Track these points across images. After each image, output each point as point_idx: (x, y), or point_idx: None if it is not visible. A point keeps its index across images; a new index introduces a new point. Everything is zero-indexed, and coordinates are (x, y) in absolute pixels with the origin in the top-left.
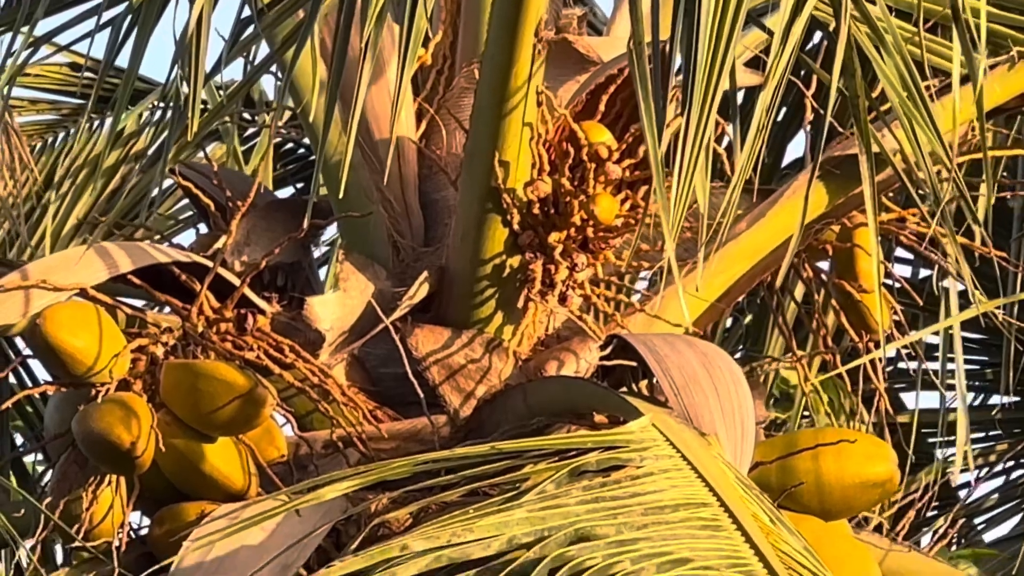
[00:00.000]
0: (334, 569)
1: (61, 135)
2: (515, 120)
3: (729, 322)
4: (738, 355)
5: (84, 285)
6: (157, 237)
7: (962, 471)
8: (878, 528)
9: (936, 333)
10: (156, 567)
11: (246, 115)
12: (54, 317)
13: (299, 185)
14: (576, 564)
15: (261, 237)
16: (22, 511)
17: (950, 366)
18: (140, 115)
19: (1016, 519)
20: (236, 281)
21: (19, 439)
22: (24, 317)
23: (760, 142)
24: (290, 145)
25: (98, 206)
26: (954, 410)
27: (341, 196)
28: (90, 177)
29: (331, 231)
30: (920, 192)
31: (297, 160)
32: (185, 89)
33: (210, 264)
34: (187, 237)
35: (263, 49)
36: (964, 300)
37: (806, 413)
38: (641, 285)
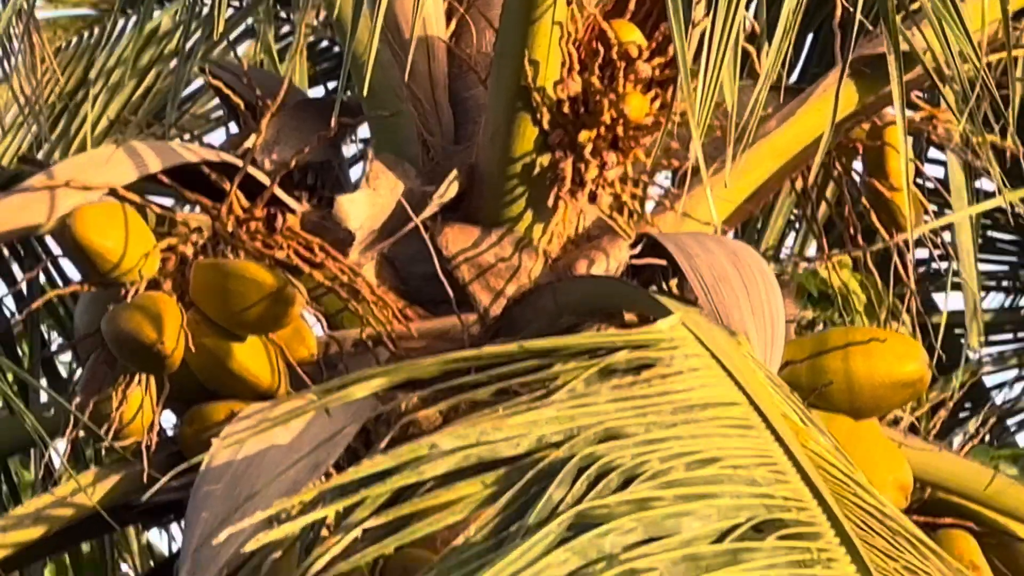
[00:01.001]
0: (362, 468)
1: (97, 31)
2: (545, 19)
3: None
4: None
5: (114, 184)
6: (188, 137)
7: (994, 372)
8: (909, 428)
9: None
10: (184, 465)
11: (281, 13)
12: (84, 217)
13: (333, 85)
14: (605, 463)
15: (291, 136)
16: (52, 411)
17: (983, 267)
18: (175, 13)
19: None
20: (266, 180)
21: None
22: (53, 217)
23: (789, 40)
24: (324, 44)
25: (131, 106)
26: (987, 311)
27: (370, 95)
28: (123, 76)
29: (363, 130)
30: (950, 90)
31: (331, 59)
32: None
33: (240, 163)
34: (219, 137)
35: None
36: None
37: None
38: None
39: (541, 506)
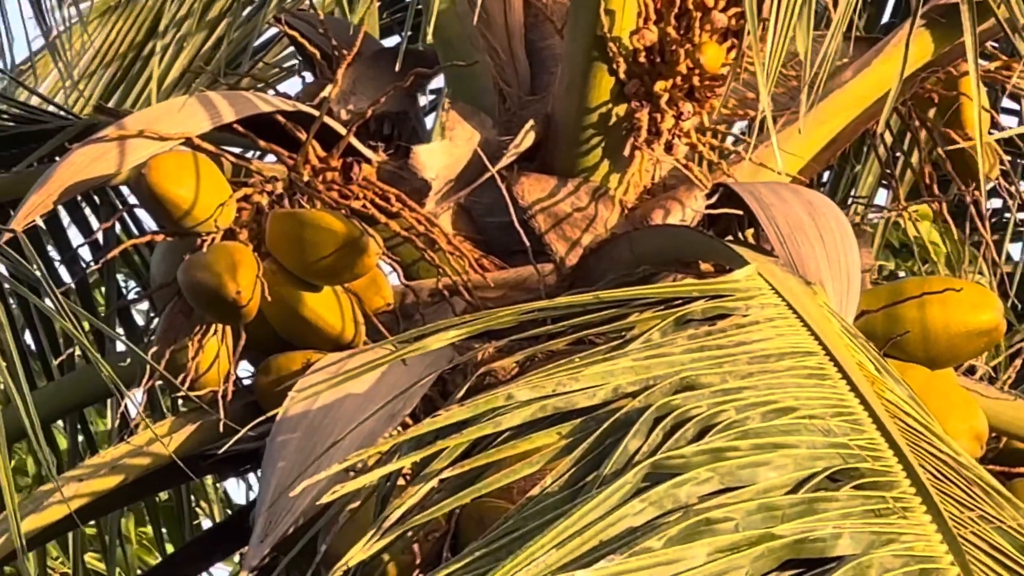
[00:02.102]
0: (439, 419)
1: None
2: None
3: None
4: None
5: (189, 134)
6: (262, 87)
7: None
8: (985, 377)
9: None
10: (262, 418)
11: None
12: (159, 166)
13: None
14: (681, 413)
15: (367, 86)
16: (128, 361)
17: None
18: None
19: None
20: (342, 130)
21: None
22: (129, 167)
23: None
24: None
25: (202, 56)
26: None
27: (447, 45)
28: (196, 25)
29: (439, 81)
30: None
31: (405, 8)
32: None
33: (316, 113)
34: (292, 86)
35: None
36: None
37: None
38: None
39: (617, 456)
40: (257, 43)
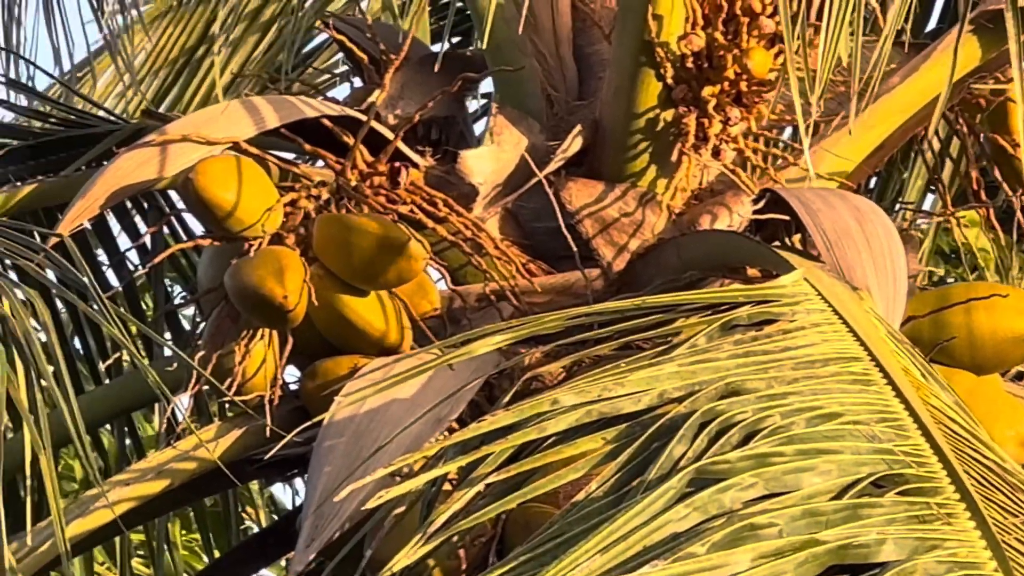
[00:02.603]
0: (484, 423)
1: None
2: None
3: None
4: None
5: (236, 139)
6: (312, 92)
7: None
8: None
9: None
10: (309, 423)
11: None
12: (207, 171)
13: (455, 39)
14: (726, 418)
15: (415, 91)
16: (175, 365)
17: None
18: None
19: None
20: (390, 135)
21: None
22: (176, 171)
23: None
24: None
25: (253, 61)
26: None
27: (495, 50)
28: (246, 30)
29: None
30: None
31: (455, 14)
32: None
33: (363, 118)
34: (343, 92)
35: None
36: None
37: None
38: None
39: (662, 462)
40: (308, 48)
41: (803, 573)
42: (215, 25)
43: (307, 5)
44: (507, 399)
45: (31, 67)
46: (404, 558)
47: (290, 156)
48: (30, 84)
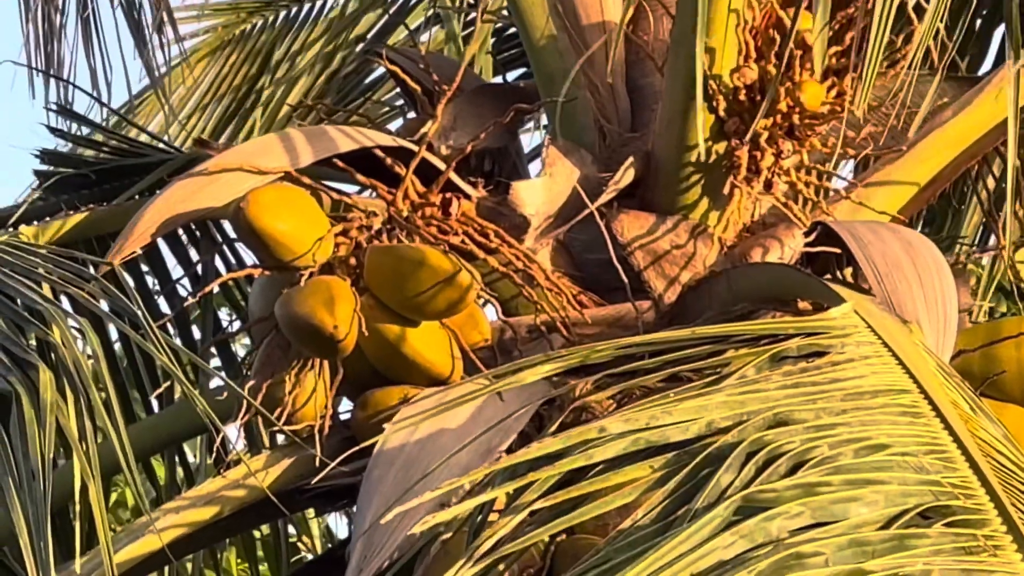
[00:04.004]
0: (532, 450)
1: (283, 14)
2: (722, 6)
3: None
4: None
5: (288, 168)
6: (370, 125)
7: None
8: None
9: None
10: (355, 448)
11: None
12: (258, 200)
13: (513, 74)
14: (774, 448)
15: (468, 122)
16: (225, 394)
17: None
18: None
19: None
20: (442, 165)
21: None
22: (228, 200)
23: (963, 28)
24: (512, 30)
25: (313, 91)
26: None
27: (548, 81)
28: (306, 62)
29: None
30: None
31: (515, 47)
32: None
33: (416, 148)
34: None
35: None
36: None
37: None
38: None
39: (709, 490)
40: (368, 81)
41: None
42: (276, 53)
43: (368, 37)
44: (555, 427)
45: (87, 97)
46: None
47: (343, 186)
48: (85, 114)
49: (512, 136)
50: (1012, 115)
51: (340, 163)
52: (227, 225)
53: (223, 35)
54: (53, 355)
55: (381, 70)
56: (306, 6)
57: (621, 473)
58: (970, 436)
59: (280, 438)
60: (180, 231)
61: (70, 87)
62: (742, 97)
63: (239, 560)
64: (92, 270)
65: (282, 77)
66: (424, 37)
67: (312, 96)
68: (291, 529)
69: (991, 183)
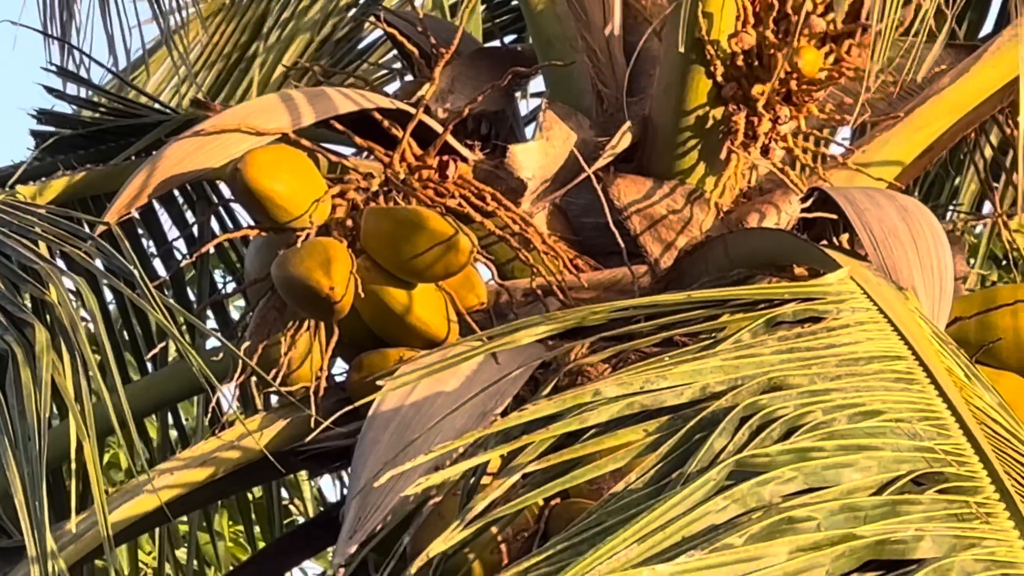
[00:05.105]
0: (525, 413)
1: None
2: None
3: None
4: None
5: (285, 130)
6: (366, 88)
7: None
8: None
9: None
10: (348, 408)
11: None
12: (255, 161)
13: (508, 38)
14: (767, 413)
15: (465, 85)
16: (221, 356)
17: None
18: None
19: None
20: (439, 128)
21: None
22: (225, 161)
23: None
24: None
25: (307, 55)
26: None
27: (546, 46)
28: (299, 26)
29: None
30: None
31: (509, 12)
32: None
33: (413, 111)
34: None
35: None
36: None
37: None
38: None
39: (702, 454)
40: (363, 45)
41: (839, 567)
42: (268, 21)
43: (360, 2)
44: (548, 390)
45: (86, 58)
46: (442, 543)
47: (340, 148)
48: (85, 75)
49: (509, 99)
50: None
51: (338, 125)
52: (224, 186)
53: (215, 3)
54: (49, 315)
55: (373, 36)
56: None
57: (615, 437)
58: (964, 403)
59: (275, 400)
60: (176, 192)
61: (75, 51)
62: (740, 62)
63: (230, 523)
64: (88, 230)
65: (274, 44)
66: (419, 2)
67: (306, 60)
68: (283, 493)
69: (988, 153)
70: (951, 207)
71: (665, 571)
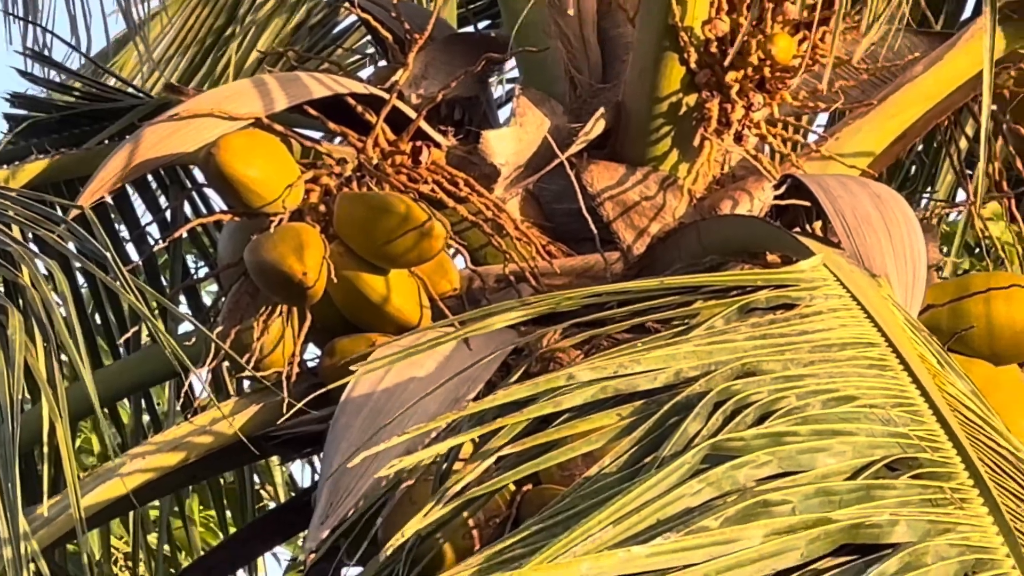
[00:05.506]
0: (499, 397)
1: None
2: None
3: None
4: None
5: (259, 115)
6: (340, 73)
7: None
8: None
9: None
10: (319, 391)
11: None
12: (228, 146)
13: (482, 24)
14: (741, 398)
15: (439, 71)
16: (193, 340)
17: None
18: None
19: None
20: (412, 114)
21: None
22: (198, 146)
23: None
24: None
25: (280, 42)
26: None
27: (519, 32)
28: (274, 11)
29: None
30: None
31: None
32: None
33: (387, 96)
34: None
35: None
36: None
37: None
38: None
39: (676, 438)
40: (337, 30)
41: (814, 550)
42: (243, 6)
43: None
44: (519, 375)
45: (59, 42)
46: (417, 523)
47: (313, 133)
48: (56, 58)
49: (483, 85)
50: (988, 65)
51: (312, 110)
52: (197, 171)
53: None
54: (21, 298)
55: (347, 22)
56: None
57: (588, 420)
58: (937, 390)
59: (247, 385)
60: (149, 177)
61: (46, 33)
62: (713, 49)
63: (201, 508)
64: (62, 213)
65: (249, 28)
66: None
67: (280, 45)
68: (255, 478)
69: (964, 144)
70: (926, 195)
71: (641, 553)
